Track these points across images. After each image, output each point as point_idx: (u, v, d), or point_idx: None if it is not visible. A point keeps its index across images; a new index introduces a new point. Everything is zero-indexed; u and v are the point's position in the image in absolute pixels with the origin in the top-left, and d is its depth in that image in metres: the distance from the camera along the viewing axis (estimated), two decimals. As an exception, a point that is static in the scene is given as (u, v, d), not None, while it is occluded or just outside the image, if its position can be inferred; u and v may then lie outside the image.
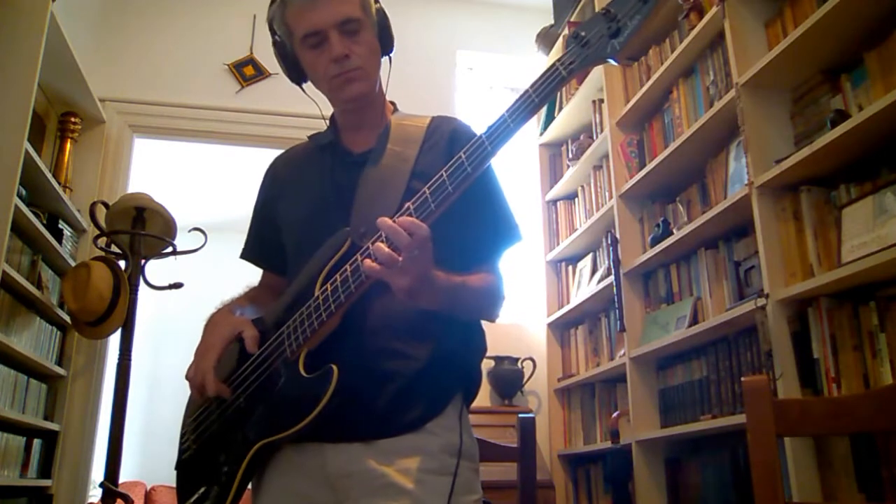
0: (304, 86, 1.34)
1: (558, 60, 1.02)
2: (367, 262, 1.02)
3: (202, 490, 1.18)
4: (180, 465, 1.28)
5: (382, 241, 1.01)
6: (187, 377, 1.20)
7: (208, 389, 1.16)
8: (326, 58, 1.22)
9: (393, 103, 1.38)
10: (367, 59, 1.24)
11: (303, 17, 1.21)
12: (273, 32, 1.30)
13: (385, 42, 1.30)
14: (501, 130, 1.02)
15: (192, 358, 1.21)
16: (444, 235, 1.06)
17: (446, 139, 1.27)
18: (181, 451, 1.28)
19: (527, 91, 1.02)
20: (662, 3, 0.96)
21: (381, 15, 1.29)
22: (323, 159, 1.32)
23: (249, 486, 1.19)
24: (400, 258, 0.99)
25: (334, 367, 1.06)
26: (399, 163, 1.24)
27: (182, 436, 1.30)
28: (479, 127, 1.32)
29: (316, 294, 1.12)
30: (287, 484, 1.15)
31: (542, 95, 1.01)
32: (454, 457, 1.12)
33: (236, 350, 1.20)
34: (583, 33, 1.01)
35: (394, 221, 1.00)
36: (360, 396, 1.11)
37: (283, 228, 1.33)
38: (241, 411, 1.18)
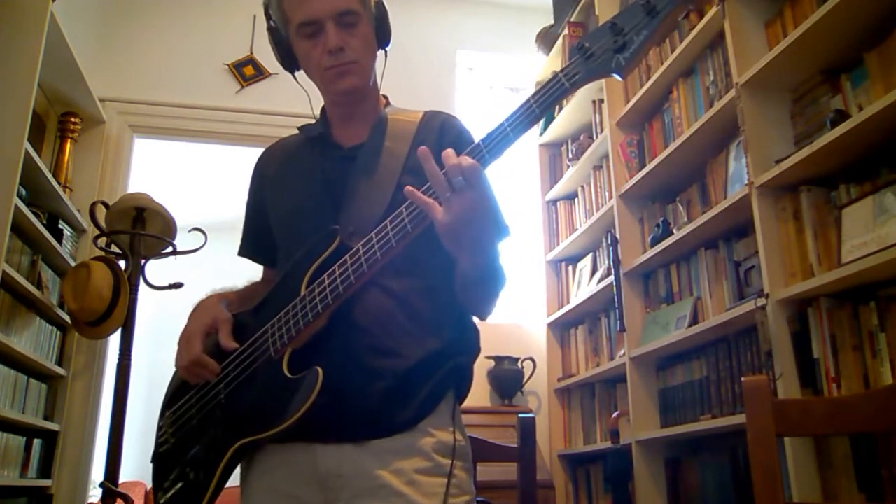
0: (296, 75, 1.32)
1: (562, 72, 1.00)
2: (413, 189, 1.01)
3: (179, 486, 1.17)
4: (157, 458, 1.26)
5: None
6: (177, 365, 1.19)
7: (210, 373, 1.15)
8: (321, 49, 1.20)
9: (385, 97, 1.37)
10: (361, 53, 1.23)
11: (300, 5, 1.20)
12: (268, 18, 1.29)
13: (382, 36, 1.28)
14: (500, 139, 1.01)
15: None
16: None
17: (436, 134, 1.26)
18: (158, 444, 1.27)
19: (528, 101, 1.01)
20: (670, 19, 0.95)
21: (380, 8, 1.28)
22: (312, 152, 1.31)
23: (234, 484, 1.19)
24: (449, 192, 0.98)
25: (319, 370, 1.04)
26: (390, 158, 1.22)
27: (159, 428, 1.28)
28: (476, 126, 1.32)
29: (302, 293, 1.11)
30: (276, 484, 1.14)
31: (544, 106, 1.00)
32: (448, 457, 1.11)
33: (216, 344, 1.18)
34: (587, 45, 0.98)
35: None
36: (350, 396, 1.09)
37: (273, 222, 1.32)
38: (221, 408, 1.16)
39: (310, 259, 1.13)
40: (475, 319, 1.27)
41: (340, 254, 1.09)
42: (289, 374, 1.08)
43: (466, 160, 0.99)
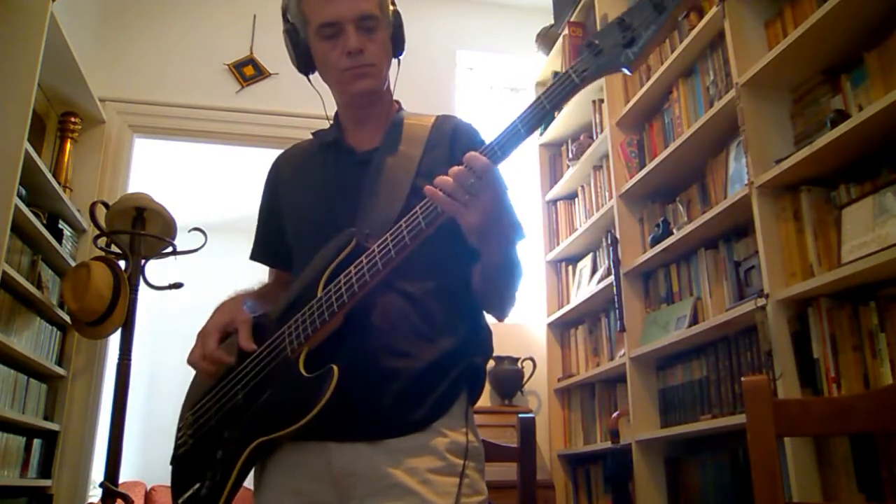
0: (310, 78, 1.34)
1: (571, 68, 1.01)
2: (434, 189, 1.02)
3: (197, 486, 1.18)
4: (176, 460, 1.28)
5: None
6: (189, 361, 1.21)
7: (220, 362, 1.17)
8: (340, 50, 1.22)
9: (398, 102, 1.39)
10: (379, 57, 1.25)
11: (322, 6, 1.22)
12: (286, 20, 1.30)
13: (397, 44, 1.31)
14: (512, 136, 1.02)
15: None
16: (452, 232, 1.06)
17: (448, 138, 1.27)
18: (177, 446, 1.28)
19: (539, 98, 1.02)
20: (677, 13, 0.96)
21: (397, 17, 1.31)
22: (326, 157, 1.32)
23: (247, 484, 1.19)
24: (466, 195, 1.00)
25: (335, 368, 1.05)
26: (404, 163, 1.24)
27: (178, 430, 1.29)
28: (480, 126, 1.33)
29: (319, 294, 1.12)
30: (290, 482, 1.15)
31: (554, 103, 1.01)
32: (461, 457, 1.12)
33: (236, 344, 1.20)
34: (596, 42, 1.00)
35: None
36: (364, 396, 1.10)
37: (288, 226, 1.33)
38: (239, 408, 1.18)
39: (327, 261, 1.14)
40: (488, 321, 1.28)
41: (356, 255, 1.10)
42: (305, 374, 1.09)
43: (475, 158, 1.01)
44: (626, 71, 1.00)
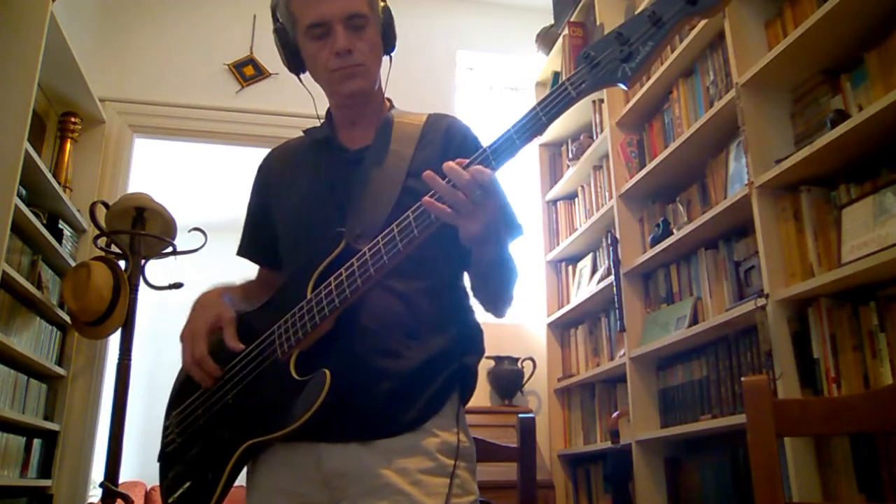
0: (301, 77, 1.33)
1: (567, 80, 0.99)
2: (432, 201, 1.01)
3: (188, 485, 1.18)
4: (164, 458, 1.27)
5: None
6: (185, 367, 1.19)
7: (209, 375, 1.16)
8: (329, 50, 1.21)
9: (389, 100, 1.38)
10: (369, 56, 1.24)
11: (310, 6, 1.21)
12: (276, 19, 1.29)
13: (388, 41, 1.30)
14: (506, 147, 1.01)
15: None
16: (442, 233, 1.05)
17: (441, 137, 1.26)
18: (165, 444, 1.27)
19: (534, 109, 1.00)
20: (676, 30, 0.93)
21: (387, 14, 1.29)
22: (318, 155, 1.31)
23: (240, 483, 1.19)
24: (468, 200, 0.99)
25: (327, 373, 1.05)
26: (396, 161, 1.23)
27: (166, 428, 1.28)
28: (477, 126, 1.33)
29: (309, 296, 1.11)
30: (281, 482, 1.15)
31: (550, 115, 0.99)
32: (451, 457, 1.11)
33: (221, 343, 1.18)
34: (593, 53, 0.98)
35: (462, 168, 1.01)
36: (355, 396, 1.10)
37: (278, 224, 1.32)
38: (228, 408, 1.17)
39: (316, 261, 1.13)
40: (479, 321, 1.27)
41: (346, 256, 1.09)
42: (296, 376, 1.09)
43: (480, 172, 0.99)
44: (622, 86, 0.98)
